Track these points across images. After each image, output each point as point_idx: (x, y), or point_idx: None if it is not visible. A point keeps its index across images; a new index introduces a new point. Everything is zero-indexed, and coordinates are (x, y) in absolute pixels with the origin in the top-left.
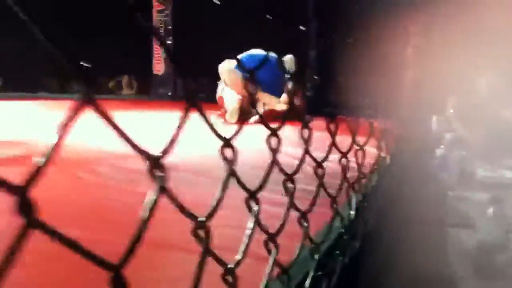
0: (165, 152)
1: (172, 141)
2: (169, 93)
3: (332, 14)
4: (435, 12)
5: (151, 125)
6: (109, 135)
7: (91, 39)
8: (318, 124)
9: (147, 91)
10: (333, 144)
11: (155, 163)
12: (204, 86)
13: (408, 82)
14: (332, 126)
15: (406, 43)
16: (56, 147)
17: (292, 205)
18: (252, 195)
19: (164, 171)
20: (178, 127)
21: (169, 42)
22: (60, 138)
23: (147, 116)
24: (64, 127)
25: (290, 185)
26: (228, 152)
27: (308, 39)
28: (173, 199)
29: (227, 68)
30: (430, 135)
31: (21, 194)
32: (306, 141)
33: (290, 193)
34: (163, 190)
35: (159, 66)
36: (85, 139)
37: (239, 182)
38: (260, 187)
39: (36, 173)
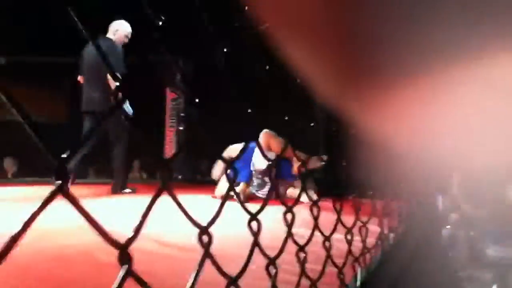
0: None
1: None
2: (179, 176)
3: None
4: (435, 87)
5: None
6: (130, 218)
7: None
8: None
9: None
10: (339, 221)
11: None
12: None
13: (411, 161)
14: (337, 206)
15: (407, 121)
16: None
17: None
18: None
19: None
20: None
21: (181, 128)
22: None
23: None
24: (34, 215)
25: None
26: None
27: (318, 129)
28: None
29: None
30: (436, 214)
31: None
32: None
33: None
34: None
35: (170, 150)
36: (107, 222)
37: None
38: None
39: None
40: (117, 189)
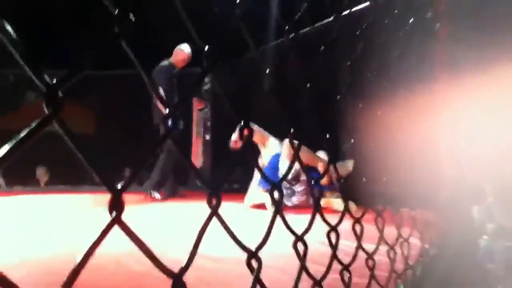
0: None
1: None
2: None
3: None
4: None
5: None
6: (160, 228)
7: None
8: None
9: (185, 183)
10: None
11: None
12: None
13: (445, 170)
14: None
15: (439, 129)
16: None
17: None
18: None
19: None
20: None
21: (207, 137)
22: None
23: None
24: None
25: None
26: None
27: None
28: None
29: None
30: (471, 225)
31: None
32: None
33: None
34: None
35: (197, 160)
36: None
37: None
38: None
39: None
40: (148, 188)
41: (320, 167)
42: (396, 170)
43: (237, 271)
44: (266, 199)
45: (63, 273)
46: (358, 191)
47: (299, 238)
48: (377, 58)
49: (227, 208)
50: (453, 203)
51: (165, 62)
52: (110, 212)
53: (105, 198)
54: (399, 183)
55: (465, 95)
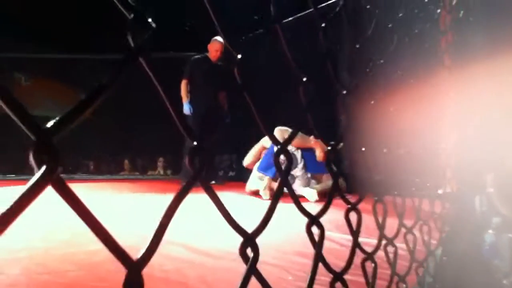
0: None
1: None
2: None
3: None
4: (470, 85)
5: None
6: (153, 221)
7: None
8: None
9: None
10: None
11: None
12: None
13: (448, 158)
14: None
15: (441, 116)
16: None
17: None
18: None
19: None
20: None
21: None
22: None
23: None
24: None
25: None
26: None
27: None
28: None
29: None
30: (475, 217)
31: None
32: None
33: None
34: None
35: None
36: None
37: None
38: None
39: None
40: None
41: (314, 145)
42: (398, 159)
43: (238, 268)
44: (260, 185)
45: (57, 272)
46: (359, 179)
47: (315, 220)
48: (383, 40)
49: (224, 198)
50: (457, 194)
51: (200, 55)
52: None
53: (97, 185)
54: (402, 172)
55: (469, 85)
